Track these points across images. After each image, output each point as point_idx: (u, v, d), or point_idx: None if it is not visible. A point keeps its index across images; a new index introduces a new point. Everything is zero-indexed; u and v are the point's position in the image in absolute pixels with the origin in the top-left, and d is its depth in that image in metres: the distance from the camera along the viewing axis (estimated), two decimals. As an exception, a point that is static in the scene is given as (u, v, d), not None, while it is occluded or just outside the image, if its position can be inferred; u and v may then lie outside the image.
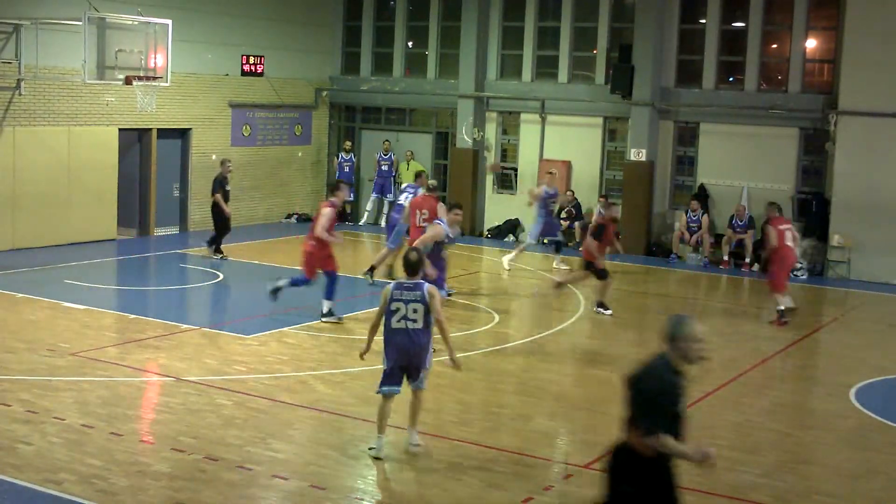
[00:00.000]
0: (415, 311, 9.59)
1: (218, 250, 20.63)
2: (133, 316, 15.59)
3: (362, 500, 9.01)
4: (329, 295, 15.37)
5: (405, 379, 9.88)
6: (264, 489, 9.12)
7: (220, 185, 20.61)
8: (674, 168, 24.11)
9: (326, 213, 15.33)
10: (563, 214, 24.43)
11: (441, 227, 14.58)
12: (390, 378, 9.81)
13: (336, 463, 9.78)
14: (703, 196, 23.10)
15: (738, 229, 22.44)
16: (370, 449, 9.88)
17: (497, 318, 16.53)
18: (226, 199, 20.55)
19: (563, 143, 25.02)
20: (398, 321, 9.63)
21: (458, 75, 25.94)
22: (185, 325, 14.99)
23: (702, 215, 22.69)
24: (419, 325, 9.62)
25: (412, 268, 9.79)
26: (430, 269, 12.92)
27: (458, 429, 10.90)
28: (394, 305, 9.62)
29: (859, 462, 10.58)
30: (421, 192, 17.86)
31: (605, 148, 24.83)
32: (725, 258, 22.45)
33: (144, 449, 9.93)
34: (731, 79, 23.82)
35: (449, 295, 15.33)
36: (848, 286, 19.90)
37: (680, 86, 23.96)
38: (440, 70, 26.83)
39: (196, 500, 8.67)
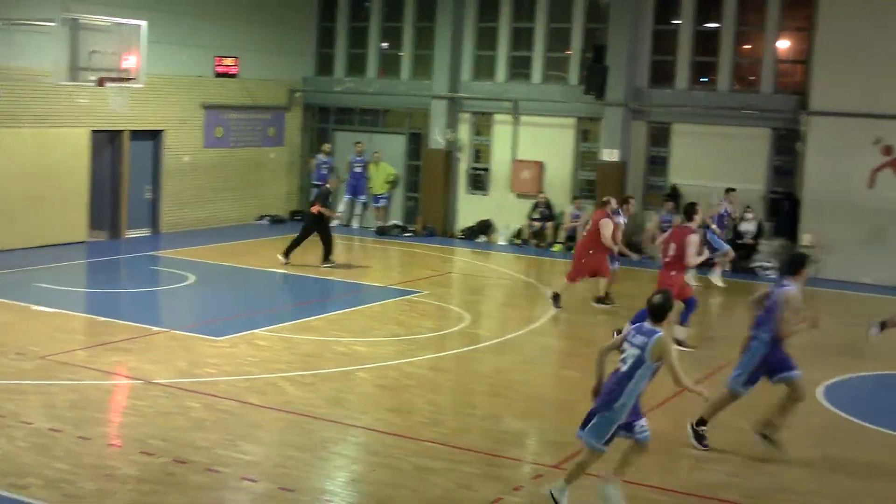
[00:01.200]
0: (632, 355, 8.78)
1: (327, 259, 20.27)
2: (103, 319, 15.49)
3: (331, 501, 9.00)
4: (683, 320, 14.80)
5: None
6: (233, 491, 9.09)
7: (324, 197, 20.43)
8: (646, 169, 24.19)
9: (693, 240, 14.57)
10: (537, 215, 24.52)
11: (791, 291, 10.72)
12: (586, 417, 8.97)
13: (305, 465, 9.75)
14: (675, 196, 23.16)
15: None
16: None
17: (468, 318, 16.54)
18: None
19: (536, 144, 25.06)
20: (620, 360, 8.89)
21: (431, 76, 25.94)
22: (155, 328, 14.90)
23: (673, 216, 22.75)
24: (624, 368, 8.79)
25: (653, 313, 8.86)
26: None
27: (428, 429, 10.90)
28: (625, 345, 8.88)
29: (827, 459, 10.67)
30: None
31: (578, 148, 24.88)
32: (696, 258, 22.50)
33: (112, 452, 9.87)
34: (703, 79, 23.92)
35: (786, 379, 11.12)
36: (817, 285, 19.99)
37: (653, 86, 24.05)
38: (414, 71, 26.81)
39: (163, 504, 8.64)
